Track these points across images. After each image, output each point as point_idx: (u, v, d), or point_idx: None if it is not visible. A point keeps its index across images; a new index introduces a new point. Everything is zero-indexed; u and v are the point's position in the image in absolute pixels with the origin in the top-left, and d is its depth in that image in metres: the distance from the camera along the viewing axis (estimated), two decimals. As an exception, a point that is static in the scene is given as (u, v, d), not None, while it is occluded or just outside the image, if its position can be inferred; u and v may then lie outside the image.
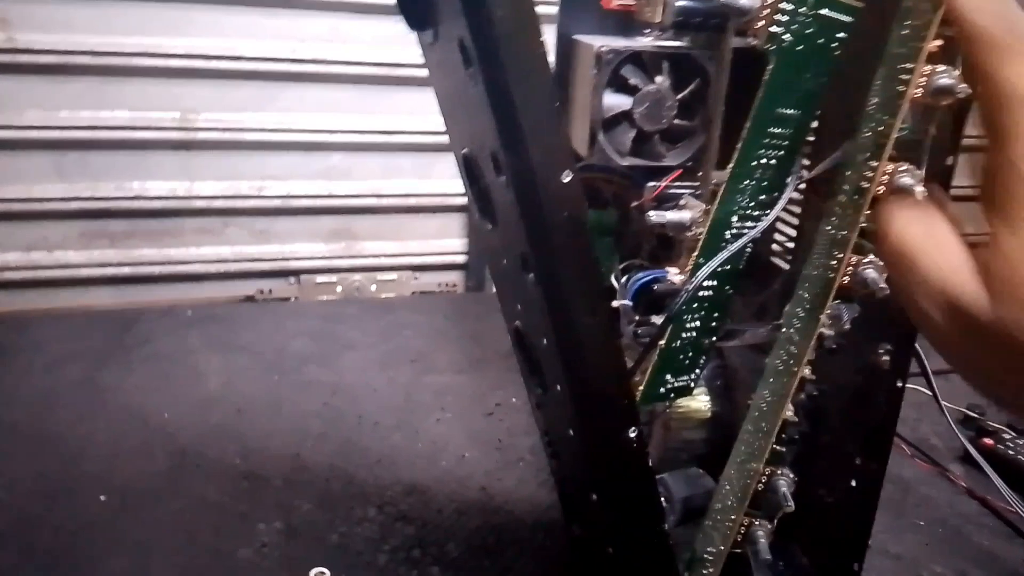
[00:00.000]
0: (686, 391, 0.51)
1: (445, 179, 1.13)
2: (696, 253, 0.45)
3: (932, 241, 0.27)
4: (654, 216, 0.45)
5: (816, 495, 0.54)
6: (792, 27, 0.40)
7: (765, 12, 0.40)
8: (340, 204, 1.09)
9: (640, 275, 0.53)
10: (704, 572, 0.49)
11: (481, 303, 1.09)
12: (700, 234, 0.45)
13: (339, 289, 1.11)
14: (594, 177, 0.58)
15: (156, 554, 0.54)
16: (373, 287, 1.13)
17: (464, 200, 1.16)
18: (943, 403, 0.77)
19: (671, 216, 0.46)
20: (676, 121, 0.53)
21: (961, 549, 0.59)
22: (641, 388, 0.48)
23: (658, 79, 0.53)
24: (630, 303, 0.52)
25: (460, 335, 0.93)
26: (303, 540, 0.55)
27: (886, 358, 0.49)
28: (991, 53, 0.27)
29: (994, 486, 0.65)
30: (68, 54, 0.94)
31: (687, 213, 0.46)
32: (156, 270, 1.04)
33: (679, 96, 0.53)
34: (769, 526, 0.47)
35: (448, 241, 1.15)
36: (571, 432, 0.41)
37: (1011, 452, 0.68)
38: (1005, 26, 0.27)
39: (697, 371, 0.51)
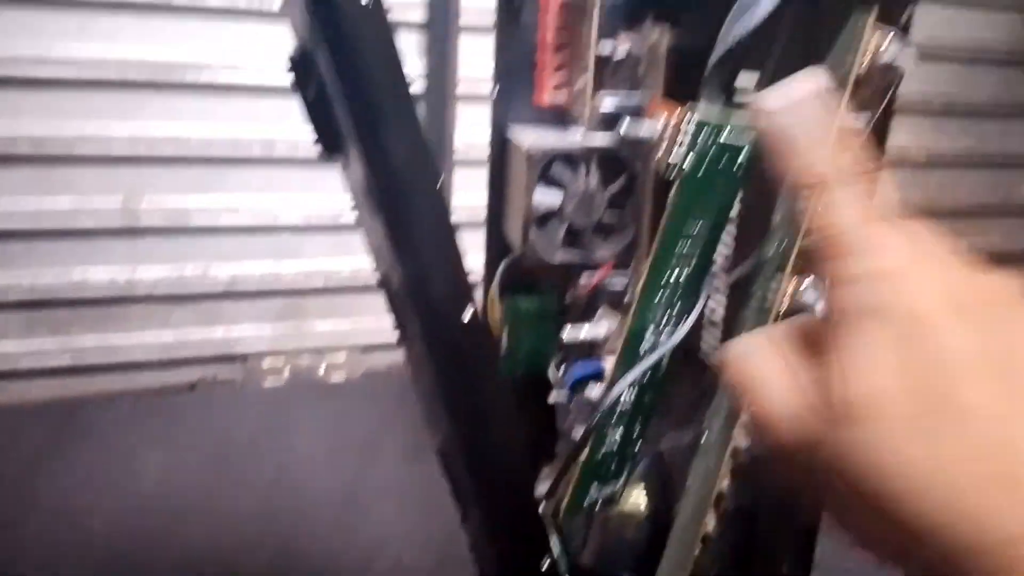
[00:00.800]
0: (613, 499, 0.51)
1: (395, 257, 1.12)
2: (613, 367, 0.46)
3: (765, 374, 0.26)
4: (568, 333, 0.46)
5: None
6: (693, 153, 0.41)
7: (664, 143, 0.41)
8: (288, 285, 1.08)
9: (577, 368, 0.53)
10: None
11: (432, 381, 1.08)
12: (616, 347, 0.45)
13: (287, 372, 1.10)
14: (529, 268, 0.58)
15: None
16: (322, 368, 1.11)
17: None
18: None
19: (586, 332, 0.46)
20: (606, 216, 0.54)
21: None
22: (565, 501, 0.48)
23: (588, 175, 0.54)
24: (566, 398, 0.52)
25: (407, 419, 0.92)
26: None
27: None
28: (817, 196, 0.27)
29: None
30: (9, 142, 0.94)
31: (602, 327, 0.46)
32: (98, 359, 1.02)
33: (608, 192, 0.54)
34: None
35: (399, 318, 1.14)
36: (488, 557, 0.40)
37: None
38: (829, 174, 0.27)
39: (624, 477, 0.50)
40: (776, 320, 0.41)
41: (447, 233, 0.32)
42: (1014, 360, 0.24)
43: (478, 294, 0.61)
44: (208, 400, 0.98)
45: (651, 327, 0.46)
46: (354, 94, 0.28)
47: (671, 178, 0.40)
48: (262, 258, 1.07)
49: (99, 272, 1.01)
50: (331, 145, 0.32)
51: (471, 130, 1.01)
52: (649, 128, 0.41)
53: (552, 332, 0.60)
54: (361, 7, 0.26)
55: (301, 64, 0.30)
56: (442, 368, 0.33)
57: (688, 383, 0.53)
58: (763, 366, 0.26)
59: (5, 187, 0.96)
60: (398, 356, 1.15)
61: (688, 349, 0.58)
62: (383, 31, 0.27)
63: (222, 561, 0.64)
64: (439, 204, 0.31)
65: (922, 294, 0.25)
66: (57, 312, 1.01)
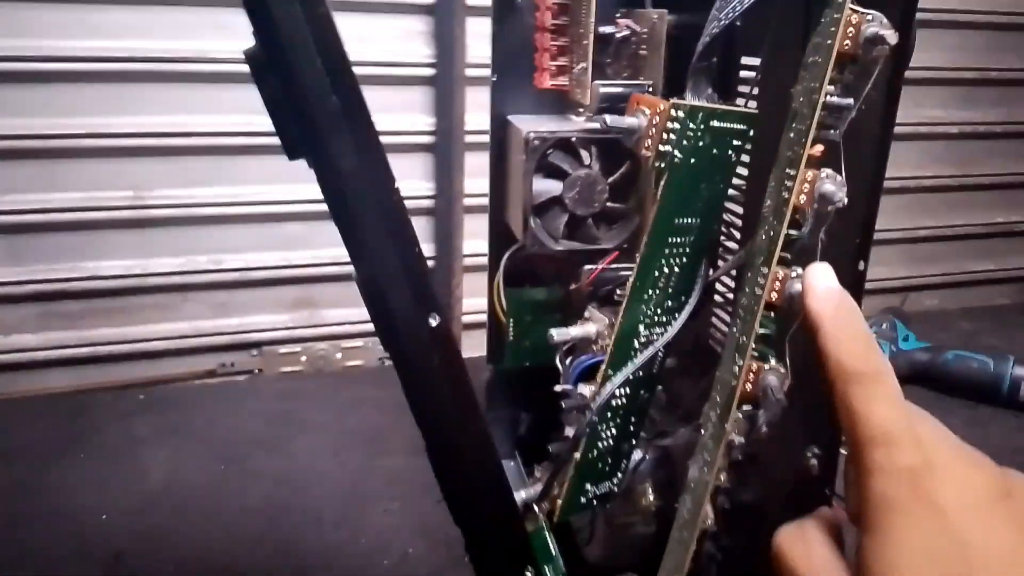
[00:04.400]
0: (610, 496, 0.49)
1: (407, 243, 1.12)
2: (604, 365, 0.44)
3: (809, 561, 0.29)
4: (556, 335, 0.44)
5: (756, 597, 0.52)
6: (682, 143, 0.39)
7: (652, 131, 0.39)
8: (300, 273, 1.08)
9: (583, 358, 0.52)
10: None
11: (447, 368, 1.07)
12: (607, 346, 0.44)
13: (304, 359, 1.10)
14: (532, 259, 0.57)
15: None
16: (339, 355, 1.11)
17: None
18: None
19: (575, 332, 0.44)
20: (609, 204, 0.52)
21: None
22: (560, 501, 0.46)
23: (588, 163, 0.52)
24: (572, 387, 0.50)
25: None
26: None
27: (814, 463, 0.47)
28: (855, 390, 0.28)
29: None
30: (16, 138, 0.94)
31: (592, 327, 0.44)
32: (114, 349, 1.03)
33: (610, 179, 0.52)
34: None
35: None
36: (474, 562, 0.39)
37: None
38: (867, 362, 0.29)
39: (620, 475, 0.49)
40: (764, 313, 0.39)
41: (406, 242, 0.30)
42: None
43: (483, 284, 0.60)
44: (221, 389, 0.98)
45: (644, 323, 0.44)
46: (299, 101, 0.27)
47: (661, 168, 0.38)
48: (273, 248, 1.07)
49: (112, 264, 1.02)
50: (291, 148, 0.30)
51: (480, 114, 0.99)
52: (635, 121, 0.39)
53: (558, 323, 0.59)
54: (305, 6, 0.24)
55: (256, 62, 0.28)
56: (408, 378, 0.32)
57: (697, 376, 0.51)
58: (808, 556, 0.29)
59: (14, 183, 0.96)
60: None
61: (698, 341, 0.56)
62: (328, 35, 0.25)
63: (226, 555, 0.63)
64: (395, 214, 0.30)
65: (953, 490, 0.26)
66: (72, 304, 1.02)
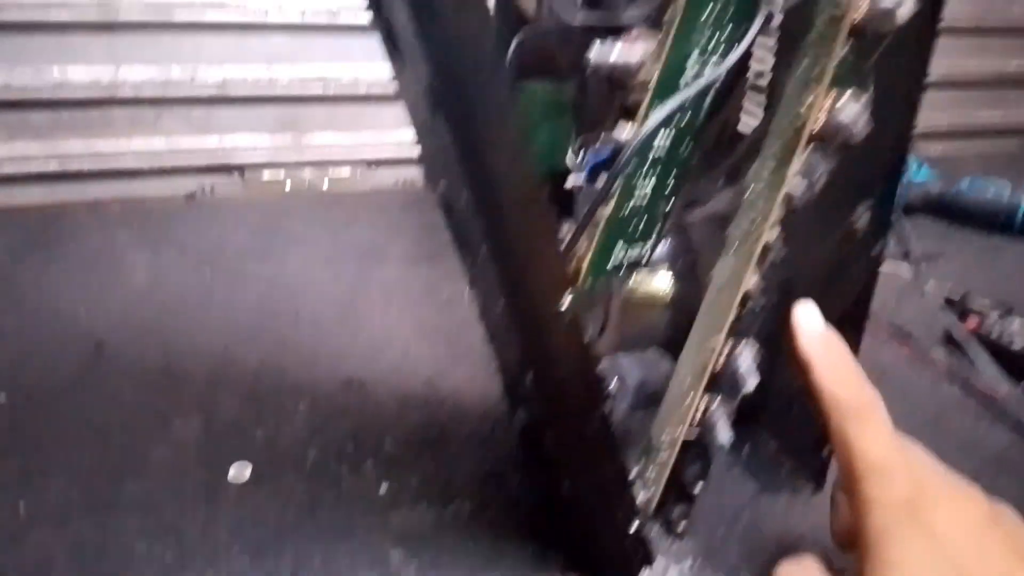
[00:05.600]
0: (640, 264, 0.46)
1: (398, 64, 1.04)
2: (647, 101, 0.39)
3: None
4: (596, 55, 0.39)
5: (785, 377, 0.50)
6: None
7: None
8: (284, 92, 1.01)
9: (598, 148, 0.47)
10: (659, 458, 0.45)
11: (440, 197, 1.02)
12: (652, 76, 0.39)
13: (288, 186, 1.04)
14: (546, 42, 0.51)
15: (57, 455, 0.49)
16: (325, 184, 1.06)
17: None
18: (925, 288, 0.73)
19: (617, 55, 0.39)
20: (634, -31, 0.46)
21: (941, 435, 0.55)
22: (587, 259, 0.43)
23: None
24: (584, 178, 0.46)
25: (416, 227, 0.87)
26: (224, 437, 0.51)
27: (862, 223, 0.43)
28: (850, 425, 0.30)
29: (976, 370, 0.61)
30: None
31: (637, 49, 0.39)
32: (86, 165, 0.96)
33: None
34: (730, 406, 0.42)
35: (405, 132, 1.07)
36: (500, 303, 0.35)
37: (993, 336, 0.64)
38: (860, 398, 0.31)
39: (652, 240, 0.45)
40: (806, 142, 0.36)
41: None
42: None
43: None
44: (203, 207, 0.93)
45: (696, 52, 0.39)
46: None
47: None
48: (254, 61, 0.99)
49: (79, 71, 0.93)
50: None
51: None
52: None
53: (570, 125, 0.54)
54: None
55: None
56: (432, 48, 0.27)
57: (723, 156, 0.47)
58: None
59: (-33, -26, 0.87)
60: (407, 171, 1.08)
61: (724, 131, 0.51)
62: None
63: (217, 348, 0.60)
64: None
65: (947, 517, 0.28)
66: (37, 114, 0.94)
